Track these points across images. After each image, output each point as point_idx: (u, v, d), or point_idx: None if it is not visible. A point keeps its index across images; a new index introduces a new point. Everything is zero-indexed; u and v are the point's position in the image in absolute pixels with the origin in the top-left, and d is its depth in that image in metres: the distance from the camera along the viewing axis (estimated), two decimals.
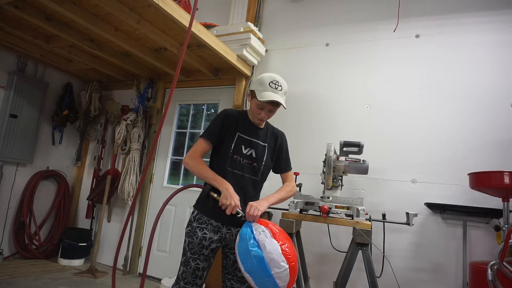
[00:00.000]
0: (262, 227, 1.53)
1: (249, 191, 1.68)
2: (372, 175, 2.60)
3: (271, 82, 1.62)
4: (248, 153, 1.69)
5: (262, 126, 1.77)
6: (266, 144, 1.75)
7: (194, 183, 3.61)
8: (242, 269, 1.48)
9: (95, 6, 2.44)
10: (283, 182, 1.86)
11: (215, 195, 1.59)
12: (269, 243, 1.47)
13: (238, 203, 1.54)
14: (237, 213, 1.55)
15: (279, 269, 1.45)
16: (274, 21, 3.49)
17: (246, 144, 1.69)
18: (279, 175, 1.88)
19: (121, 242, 1.66)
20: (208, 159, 1.77)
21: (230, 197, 1.53)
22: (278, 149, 1.80)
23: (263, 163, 1.72)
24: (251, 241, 1.47)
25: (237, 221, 1.59)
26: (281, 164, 1.83)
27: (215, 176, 1.61)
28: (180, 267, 1.65)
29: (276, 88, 1.61)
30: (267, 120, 1.81)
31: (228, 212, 1.53)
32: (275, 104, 1.64)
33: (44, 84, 3.91)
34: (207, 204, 1.65)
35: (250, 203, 1.57)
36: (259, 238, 1.47)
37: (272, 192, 1.74)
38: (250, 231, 1.51)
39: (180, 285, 1.62)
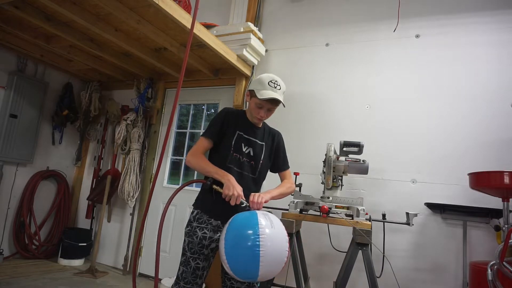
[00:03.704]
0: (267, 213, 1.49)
1: (249, 188, 1.68)
2: (372, 175, 2.60)
3: (270, 81, 1.64)
4: (247, 151, 1.71)
5: (259, 126, 1.78)
6: (264, 143, 1.77)
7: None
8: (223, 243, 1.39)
9: (95, 6, 2.44)
10: (282, 180, 1.86)
11: (218, 187, 1.58)
12: (277, 222, 1.40)
13: (241, 193, 1.53)
14: (241, 203, 1.52)
15: (271, 248, 1.31)
16: (274, 21, 3.49)
17: (245, 143, 1.71)
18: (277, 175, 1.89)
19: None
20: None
21: (233, 188, 1.51)
22: (275, 148, 1.82)
23: (261, 161, 1.74)
24: (252, 216, 1.39)
25: None
26: (279, 163, 1.85)
27: (216, 169, 1.60)
28: (180, 267, 1.65)
29: (275, 87, 1.63)
30: (264, 121, 1.82)
31: (232, 202, 1.50)
32: (274, 103, 1.65)
33: (44, 84, 3.91)
34: (207, 202, 1.65)
35: (253, 193, 1.57)
36: (264, 216, 1.39)
37: None
38: (250, 212, 1.46)
39: (180, 285, 1.62)
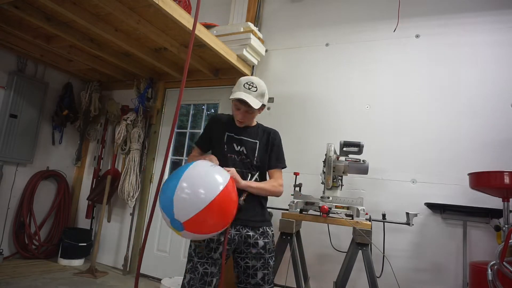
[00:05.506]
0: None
1: None
2: (372, 175, 2.60)
3: (246, 83, 1.66)
4: (240, 150, 1.73)
5: (252, 125, 1.81)
6: (258, 141, 1.77)
7: None
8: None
9: (95, 6, 2.44)
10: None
11: None
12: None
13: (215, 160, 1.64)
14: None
15: (189, 189, 1.31)
16: (274, 21, 3.49)
17: (237, 142, 1.74)
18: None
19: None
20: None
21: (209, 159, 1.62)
22: (270, 146, 1.80)
23: (255, 158, 1.74)
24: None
25: (245, 220, 1.62)
26: (270, 161, 1.80)
27: (198, 158, 1.72)
28: (185, 275, 1.58)
29: (249, 89, 1.64)
30: (258, 121, 1.86)
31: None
32: (246, 104, 1.63)
33: (44, 84, 3.91)
34: None
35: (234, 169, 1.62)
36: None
37: None
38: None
39: None
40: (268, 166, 1.80)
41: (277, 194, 1.76)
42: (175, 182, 1.35)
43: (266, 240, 1.67)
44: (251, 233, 1.64)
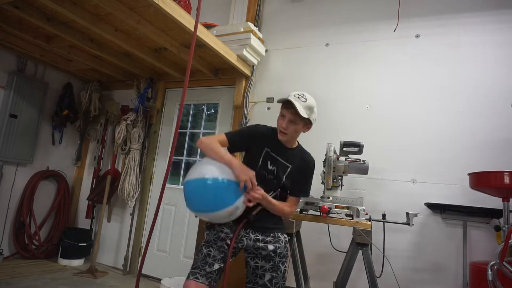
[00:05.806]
0: None
1: None
2: (372, 175, 2.59)
3: (296, 93, 1.64)
4: (271, 169, 1.70)
5: (290, 146, 1.74)
6: (290, 166, 1.71)
7: None
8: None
9: (95, 6, 2.44)
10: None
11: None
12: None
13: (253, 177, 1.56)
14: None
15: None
16: (274, 21, 3.49)
17: (272, 161, 1.70)
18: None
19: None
20: None
21: (246, 171, 1.54)
22: (300, 173, 1.73)
23: (282, 181, 1.70)
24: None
25: (256, 227, 1.65)
26: (294, 189, 1.75)
27: (225, 152, 1.61)
28: (194, 258, 1.72)
29: (298, 98, 1.62)
30: (301, 145, 1.81)
31: (248, 185, 1.52)
32: (291, 107, 1.59)
33: (44, 84, 3.91)
34: None
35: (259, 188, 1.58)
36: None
37: None
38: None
39: (189, 271, 1.61)
40: (290, 191, 1.75)
41: (285, 216, 1.79)
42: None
43: (277, 245, 1.66)
44: (260, 237, 1.66)
